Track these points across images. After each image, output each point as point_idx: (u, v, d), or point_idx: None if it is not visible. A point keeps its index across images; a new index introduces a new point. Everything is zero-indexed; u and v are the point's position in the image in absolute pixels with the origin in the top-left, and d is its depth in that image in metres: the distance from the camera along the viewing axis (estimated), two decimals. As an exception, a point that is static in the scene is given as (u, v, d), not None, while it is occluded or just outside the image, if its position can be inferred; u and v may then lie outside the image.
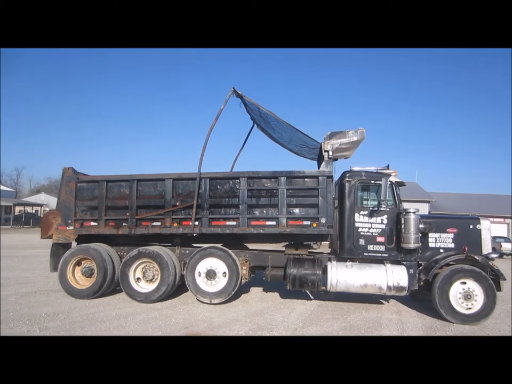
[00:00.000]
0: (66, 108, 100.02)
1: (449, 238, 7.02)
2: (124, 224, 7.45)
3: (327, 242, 8.42)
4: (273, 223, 7.02)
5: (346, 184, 7.22)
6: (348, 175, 7.29)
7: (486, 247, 6.88)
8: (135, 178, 7.42)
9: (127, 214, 7.40)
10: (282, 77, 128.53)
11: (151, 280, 7.29)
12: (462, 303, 6.41)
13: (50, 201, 48.05)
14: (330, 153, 7.08)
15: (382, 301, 8.12)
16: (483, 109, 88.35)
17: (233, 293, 7.12)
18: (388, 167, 7.55)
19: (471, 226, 7.02)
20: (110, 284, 7.42)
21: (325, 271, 7.07)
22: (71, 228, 7.54)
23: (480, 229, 6.97)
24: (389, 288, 6.78)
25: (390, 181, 6.91)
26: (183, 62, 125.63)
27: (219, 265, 7.18)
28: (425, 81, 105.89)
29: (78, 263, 7.49)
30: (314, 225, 6.87)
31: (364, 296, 7.78)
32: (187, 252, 7.68)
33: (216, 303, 7.09)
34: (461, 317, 6.38)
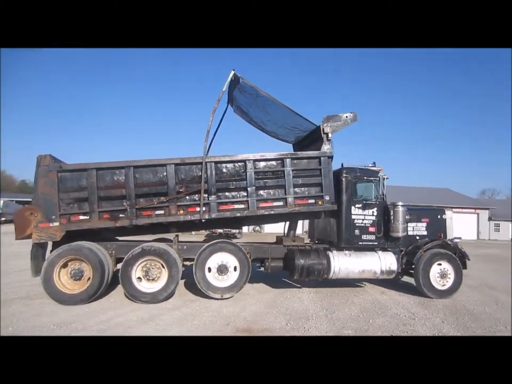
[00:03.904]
0: None
1: (423, 226, 8.26)
2: (121, 215, 6.73)
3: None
4: (281, 203, 7.21)
5: (344, 180, 7.83)
6: (345, 171, 7.91)
7: (450, 234, 8.32)
8: (132, 164, 6.76)
9: (124, 204, 6.73)
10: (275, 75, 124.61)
11: (153, 279, 6.77)
12: (440, 281, 7.67)
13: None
14: (330, 135, 7.45)
15: (359, 284, 9.06)
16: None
17: (244, 286, 7.12)
18: (374, 164, 8.44)
19: (439, 216, 8.39)
20: (106, 286, 6.65)
21: (327, 260, 7.59)
22: (56, 224, 6.45)
23: (445, 219, 8.38)
24: (382, 272, 7.66)
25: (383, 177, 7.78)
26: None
27: (230, 260, 7.08)
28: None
29: (64, 265, 6.51)
30: (320, 202, 7.28)
31: (341, 282, 8.32)
32: (185, 247, 7.37)
33: (227, 298, 6.99)
34: (439, 293, 7.64)
